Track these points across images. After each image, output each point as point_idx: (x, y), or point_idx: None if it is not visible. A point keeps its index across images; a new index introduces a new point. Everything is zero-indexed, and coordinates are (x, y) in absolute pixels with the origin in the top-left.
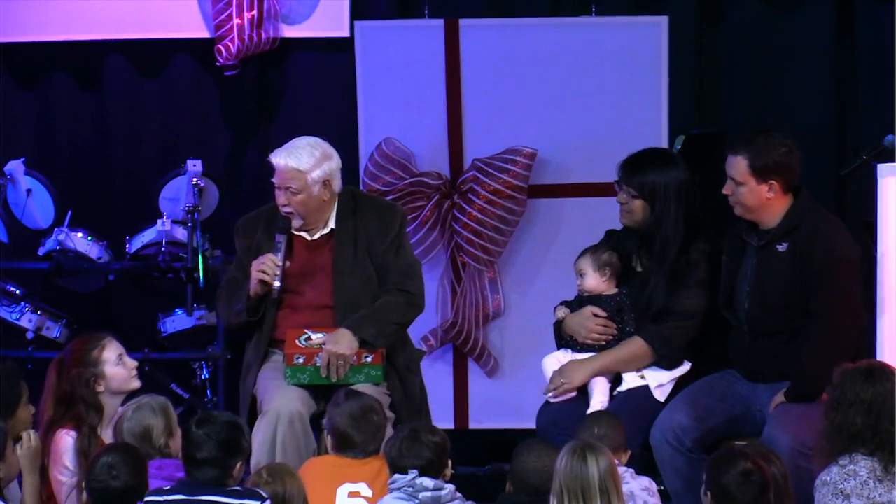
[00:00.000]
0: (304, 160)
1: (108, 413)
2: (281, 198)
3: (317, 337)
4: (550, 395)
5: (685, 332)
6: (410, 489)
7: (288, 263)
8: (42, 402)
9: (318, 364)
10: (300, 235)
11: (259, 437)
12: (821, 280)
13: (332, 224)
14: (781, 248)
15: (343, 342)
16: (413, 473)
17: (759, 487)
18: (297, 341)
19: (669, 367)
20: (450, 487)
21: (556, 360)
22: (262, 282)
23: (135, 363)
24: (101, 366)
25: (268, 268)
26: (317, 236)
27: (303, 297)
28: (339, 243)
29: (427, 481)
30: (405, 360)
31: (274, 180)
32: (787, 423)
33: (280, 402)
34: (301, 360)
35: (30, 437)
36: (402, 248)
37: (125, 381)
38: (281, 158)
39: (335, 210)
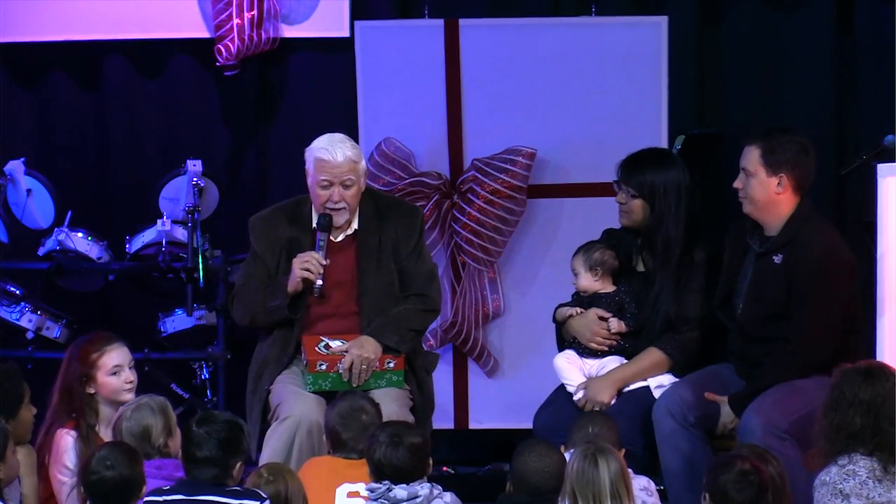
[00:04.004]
0: (355, 152)
1: (103, 416)
2: (334, 194)
3: (335, 344)
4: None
5: (699, 338)
6: (386, 501)
7: (328, 262)
8: (54, 386)
9: (340, 370)
10: None
11: (273, 442)
12: (801, 301)
13: (355, 225)
14: (777, 259)
15: (368, 346)
16: (386, 484)
17: (757, 488)
18: (316, 348)
19: (683, 375)
20: (424, 492)
21: (566, 359)
22: (304, 279)
23: (133, 377)
24: (95, 370)
25: (313, 266)
26: (340, 238)
27: (328, 301)
28: (364, 246)
29: (400, 492)
30: (423, 363)
31: (323, 177)
32: (760, 407)
33: (300, 410)
34: (324, 367)
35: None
36: (423, 252)
37: (115, 392)
38: (337, 153)
39: (357, 210)
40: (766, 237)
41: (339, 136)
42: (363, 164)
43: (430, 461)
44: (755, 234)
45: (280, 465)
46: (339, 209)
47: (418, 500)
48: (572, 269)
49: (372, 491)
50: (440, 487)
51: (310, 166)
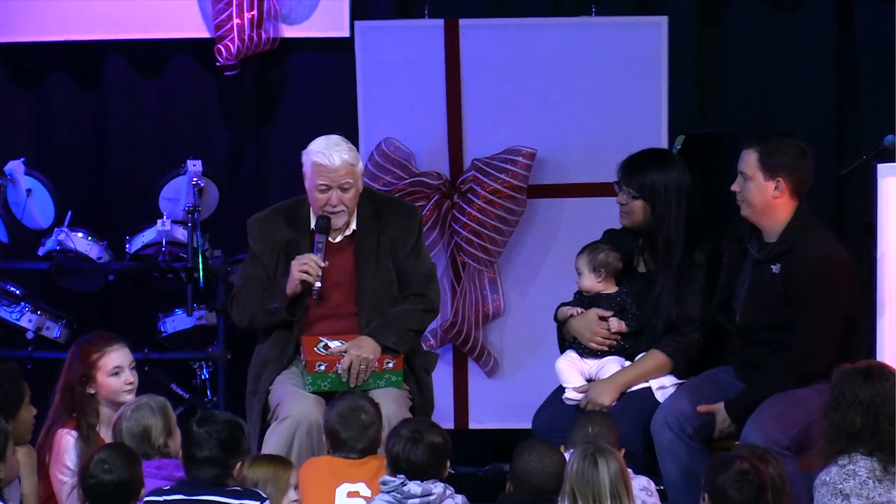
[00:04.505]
0: (352, 154)
1: (104, 416)
2: (333, 198)
3: (334, 345)
4: (576, 397)
5: (701, 339)
6: (399, 495)
7: (326, 263)
8: (55, 385)
9: (339, 371)
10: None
11: (273, 442)
12: (799, 311)
13: (353, 225)
14: (775, 268)
15: (367, 346)
16: (401, 478)
17: (756, 488)
18: (315, 349)
19: (684, 376)
20: (438, 491)
21: (567, 361)
22: (303, 281)
23: (133, 378)
24: (95, 371)
25: (311, 268)
26: (339, 239)
27: (327, 302)
28: (362, 247)
29: (415, 487)
30: (422, 363)
31: (321, 181)
32: (760, 422)
33: (299, 410)
34: (323, 368)
35: (28, 451)
36: (422, 252)
37: (115, 393)
38: (334, 157)
39: (355, 211)
40: (765, 243)
41: (335, 138)
42: (360, 165)
43: (448, 464)
44: (753, 237)
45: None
46: (338, 212)
47: (431, 498)
48: (576, 268)
49: (385, 483)
50: (452, 489)
51: (307, 170)
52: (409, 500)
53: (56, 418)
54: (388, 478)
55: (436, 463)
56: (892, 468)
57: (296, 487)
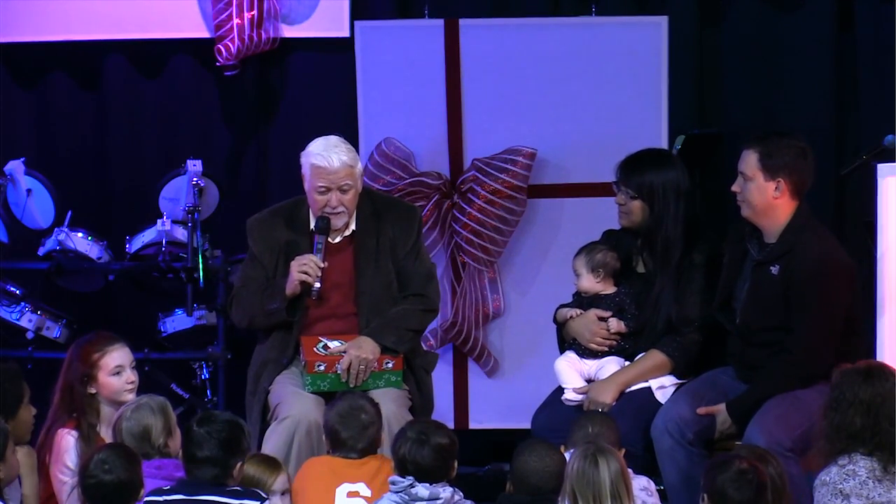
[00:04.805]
0: (351, 155)
1: (105, 416)
2: (332, 199)
3: (334, 345)
4: (575, 398)
5: (700, 339)
6: (406, 497)
7: (326, 264)
8: (55, 385)
9: (339, 371)
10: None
11: (273, 442)
12: (799, 312)
13: (353, 226)
14: (774, 270)
15: (366, 347)
16: (409, 480)
17: (755, 487)
18: (314, 349)
19: (684, 377)
20: (445, 495)
21: (566, 361)
22: (302, 281)
23: (134, 377)
24: (96, 370)
25: (310, 269)
26: (338, 239)
27: (327, 302)
28: (362, 247)
29: (422, 490)
30: (422, 362)
31: (320, 183)
32: (764, 424)
33: (299, 410)
34: (322, 368)
35: (28, 451)
36: (421, 252)
37: (116, 392)
38: (332, 159)
39: (355, 211)
40: (765, 244)
41: (333, 139)
42: (359, 166)
43: (455, 464)
44: (754, 238)
45: None
46: (338, 213)
47: (438, 502)
48: (574, 269)
49: (393, 483)
50: (461, 493)
51: (306, 171)
52: (416, 503)
53: (56, 418)
54: (396, 478)
55: (442, 464)
56: (892, 468)
57: (283, 493)
